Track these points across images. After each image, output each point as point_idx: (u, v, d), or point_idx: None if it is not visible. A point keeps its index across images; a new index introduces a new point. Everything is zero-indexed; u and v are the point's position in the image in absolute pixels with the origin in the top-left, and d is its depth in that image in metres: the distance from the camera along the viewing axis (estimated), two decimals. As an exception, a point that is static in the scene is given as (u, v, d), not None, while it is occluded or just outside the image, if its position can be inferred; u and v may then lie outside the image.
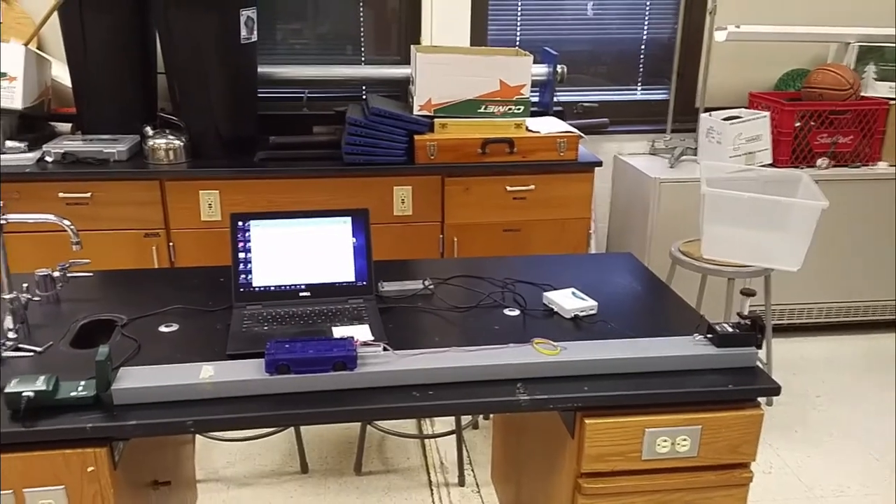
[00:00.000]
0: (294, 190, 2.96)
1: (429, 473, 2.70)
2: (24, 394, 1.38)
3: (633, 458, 1.59)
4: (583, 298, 1.88)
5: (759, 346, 1.65)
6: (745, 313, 1.67)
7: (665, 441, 1.58)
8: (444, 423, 2.97)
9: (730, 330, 1.65)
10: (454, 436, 2.79)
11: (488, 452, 2.78)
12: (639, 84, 3.85)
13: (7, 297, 1.65)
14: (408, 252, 3.06)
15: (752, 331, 1.64)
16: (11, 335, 1.65)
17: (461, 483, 2.64)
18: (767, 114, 3.42)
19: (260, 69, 3.23)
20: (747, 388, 1.59)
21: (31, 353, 1.60)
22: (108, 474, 1.43)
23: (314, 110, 3.49)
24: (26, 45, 3.02)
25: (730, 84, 3.82)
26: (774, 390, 1.59)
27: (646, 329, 1.79)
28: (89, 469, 1.41)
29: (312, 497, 2.56)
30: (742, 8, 3.68)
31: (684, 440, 1.59)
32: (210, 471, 2.68)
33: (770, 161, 3.46)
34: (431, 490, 2.61)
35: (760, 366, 1.66)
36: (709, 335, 1.67)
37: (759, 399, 1.62)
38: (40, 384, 1.40)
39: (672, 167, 3.53)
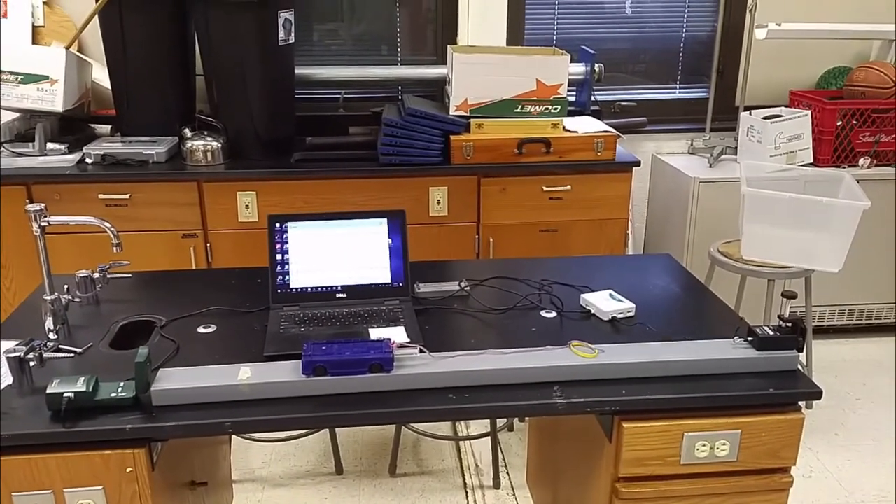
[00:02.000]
0: (330, 190, 2.97)
1: (464, 476, 2.69)
2: (64, 394, 1.39)
3: (672, 462, 1.56)
4: (620, 300, 1.85)
5: (801, 350, 1.62)
6: (786, 316, 1.63)
7: (704, 445, 1.55)
8: (479, 425, 2.95)
9: (770, 333, 1.61)
10: (489, 438, 2.78)
11: (523, 455, 2.76)
12: (678, 82, 3.80)
13: (48, 298, 1.68)
14: (443, 253, 3.05)
15: (793, 334, 1.61)
16: (52, 336, 1.67)
17: (496, 486, 2.63)
18: (809, 112, 3.35)
19: (297, 70, 3.25)
20: (788, 392, 1.55)
21: (72, 355, 1.62)
22: (147, 475, 1.44)
23: (350, 111, 3.50)
24: (68, 48, 3.07)
25: (770, 82, 3.76)
26: (816, 394, 1.56)
27: (685, 332, 1.76)
28: (128, 470, 1.43)
29: (347, 498, 2.56)
30: (783, 5, 3.62)
31: (724, 444, 1.56)
32: (246, 471, 2.70)
33: (811, 160, 3.39)
34: (466, 492, 2.60)
35: (801, 369, 1.62)
36: (749, 338, 1.64)
37: (799, 402, 1.58)
38: (80, 385, 1.41)
39: (711, 167, 3.47)
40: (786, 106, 3.51)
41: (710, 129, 3.67)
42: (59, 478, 1.42)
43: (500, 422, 2.90)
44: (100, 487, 1.43)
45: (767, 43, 3.61)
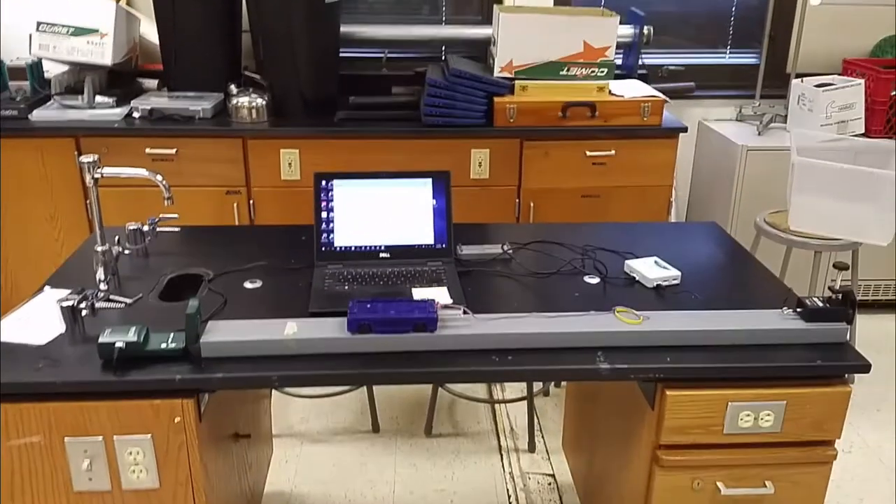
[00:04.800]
0: (372, 150, 2.97)
1: (499, 438, 2.71)
2: (116, 344, 1.42)
3: (715, 431, 1.55)
4: (666, 268, 1.83)
5: (850, 322, 1.59)
6: (837, 287, 1.60)
7: (748, 415, 1.54)
8: (515, 389, 2.97)
9: (820, 304, 1.58)
10: (524, 402, 2.79)
11: (558, 420, 2.77)
12: (728, 47, 3.70)
13: (100, 249, 1.71)
14: (483, 216, 3.04)
15: (843, 306, 1.58)
16: (103, 286, 1.70)
17: (531, 449, 2.65)
18: (862, 81, 3.25)
19: (341, 29, 3.22)
20: (836, 365, 1.53)
21: (122, 305, 1.65)
22: (194, 425, 1.47)
23: (393, 70, 3.47)
24: (117, 1, 3.08)
25: (823, 49, 3.65)
26: (865, 367, 1.53)
27: (731, 301, 1.74)
28: (176, 420, 1.46)
29: (383, 456, 2.60)
30: (840, -31, 3.50)
31: (768, 415, 1.54)
32: (285, 426, 2.75)
33: (863, 131, 3.29)
34: (501, 455, 2.63)
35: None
36: (798, 309, 1.61)
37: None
38: (131, 335, 1.44)
39: (760, 134, 3.40)
40: (839, 74, 3.42)
41: (760, 97, 3.59)
42: (108, 425, 1.45)
43: (536, 386, 2.90)
44: (148, 436, 1.47)
45: (821, 9, 3.50)
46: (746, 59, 3.71)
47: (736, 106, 3.66)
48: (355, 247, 1.92)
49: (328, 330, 1.55)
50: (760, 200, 3.26)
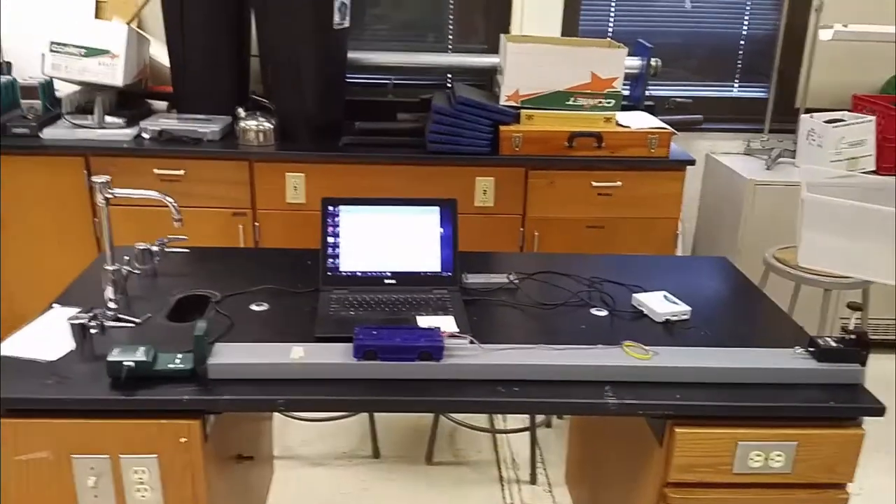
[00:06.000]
0: (377, 176, 2.98)
1: (500, 469, 2.69)
2: (125, 363, 1.42)
3: (724, 470, 1.54)
4: (675, 302, 1.82)
5: (864, 364, 1.58)
6: (851, 327, 1.60)
7: (758, 455, 1.53)
8: (517, 419, 2.94)
9: (833, 345, 1.58)
10: (526, 433, 2.77)
11: (560, 452, 2.75)
12: (736, 81, 3.73)
13: (110, 268, 1.70)
14: (487, 244, 3.04)
15: (857, 346, 1.57)
16: (112, 305, 1.70)
17: (533, 481, 2.62)
18: (873, 118, 3.27)
19: (348, 55, 3.25)
20: (850, 407, 1.52)
21: (131, 324, 1.64)
22: (200, 446, 1.46)
23: (399, 97, 3.49)
24: (129, 23, 3.11)
25: (833, 85, 3.67)
26: (879, 410, 1.52)
27: (741, 338, 1.73)
28: (182, 440, 1.45)
29: (383, 482, 2.58)
30: (849, 5, 3.52)
31: (779, 455, 1.53)
32: (286, 448, 2.73)
33: (873, 168, 3.30)
34: (502, 485, 2.60)
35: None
36: (810, 349, 1.60)
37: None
38: (140, 355, 1.44)
39: (768, 169, 3.41)
40: (849, 110, 3.43)
41: (769, 131, 3.60)
42: (115, 444, 1.45)
43: (539, 417, 2.89)
44: (154, 455, 1.46)
45: (832, 44, 3.52)
46: (755, 92, 3.73)
47: (744, 140, 3.67)
48: (361, 272, 1.91)
49: (334, 355, 1.54)
50: (768, 235, 3.26)
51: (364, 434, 2.81)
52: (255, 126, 3.00)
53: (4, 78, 3.11)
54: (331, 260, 1.90)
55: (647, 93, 3.36)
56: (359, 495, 2.52)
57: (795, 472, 1.54)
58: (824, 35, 3.33)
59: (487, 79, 3.41)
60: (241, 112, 3.05)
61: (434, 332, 1.58)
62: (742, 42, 3.66)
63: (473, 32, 3.61)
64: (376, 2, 3.55)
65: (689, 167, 3.03)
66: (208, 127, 3.00)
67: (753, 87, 3.74)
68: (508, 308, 1.86)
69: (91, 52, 3.01)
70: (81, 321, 1.55)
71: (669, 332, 1.75)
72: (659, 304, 1.82)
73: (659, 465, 1.57)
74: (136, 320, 1.65)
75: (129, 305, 1.75)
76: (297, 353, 1.53)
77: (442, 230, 1.94)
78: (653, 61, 3.28)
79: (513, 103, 2.98)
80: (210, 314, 1.73)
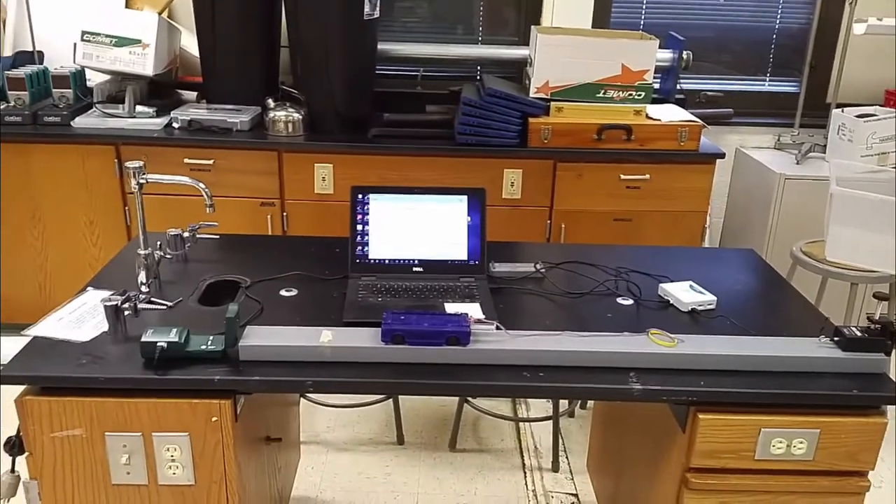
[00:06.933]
0: (405, 167, 3.00)
1: (522, 456, 2.70)
2: (158, 344, 1.45)
3: (746, 456, 1.54)
4: (701, 292, 1.82)
5: (889, 353, 1.57)
6: (877, 318, 1.59)
7: (781, 442, 1.53)
8: (539, 408, 2.96)
9: (858, 334, 1.57)
10: (549, 422, 2.78)
11: (583, 441, 2.75)
12: (767, 75, 3.70)
13: (143, 252, 1.74)
14: (514, 236, 3.05)
15: (882, 336, 1.56)
16: (144, 289, 1.74)
17: (555, 469, 2.63)
18: (904, 113, 3.23)
19: (377, 46, 3.27)
20: (874, 395, 1.52)
21: (163, 307, 1.68)
22: (230, 425, 1.49)
23: (428, 89, 3.51)
24: (160, 13, 3.15)
25: (865, 80, 3.63)
26: (902, 399, 1.51)
27: (766, 328, 1.73)
28: (213, 419, 1.48)
29: (407, 468, 2.60)
30: (883, -1, 3.48)
31: (801, 443, 1.53)
32: (311, 433, 2.77)
33: (903, 163, 3.27)
34: (525, 472, 2.62)
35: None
36: (835, 338, 1.60)
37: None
38: (173, 336, 1.47)
39: (798, 163, 3.38)
40: (880, 105, 3.39)
41: (799, 125, 3.57)
42: (148, 422, 1.48)
43: (562, 407, 2.90)
44: (186, 434, 1.49)
45: (865, 38, 3.48)
46: (786, 87, 3.70)
47: (774, 134, 3.65)
48: (389, 260, 1.93)
49: (362, 339, 1.56)
50: (796, 229, 3.24)
51: (388, 421, 2.84)
52: (284, 116, 3.03)
53: (36, 67, 3.18)
54: (359, 247, 1.92)
55: (678, 86, 3.34)
56: (383, 480, 2.55)
57: (817, 459, 1.54)
58: (858, 29, 3.30)
59: (517, 71, 3.42)
60: (271, 102, 3.08)
61: (461, 318, 1.59)
62: (775, 36, 3.63)
63: (503, 24, 3.62)
64: (407, -7, 3.57)
65: (718, 161, 3.02)
66: (238, 117, 3.04)
67: (785, 82, 3.71)
68: (535, 296, 1.87)
69: (122, 42, 3.07)
70: (115, 303, 1.58)
71: (695, 321, 1.75)
72: (685, 293, 1.82)
73: (681, 450, 1.58)
74: (168, 303, 1.69)
75: (160, 289, 1.79)
76: (326, 337, 1.55)
77: (470, 219, 1.96)
78: (684, 54, 3.27)
79: (542, 95, 2.98)
80: (240, 299, 1.76)
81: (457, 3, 3.59)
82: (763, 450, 1.53)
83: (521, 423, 2.89)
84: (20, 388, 1.49)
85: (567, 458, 2.70)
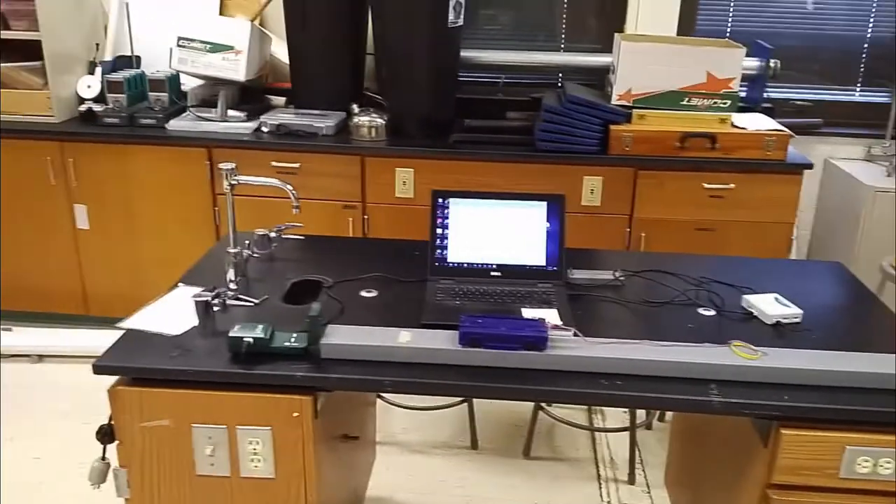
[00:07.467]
0: (485, 173, 3.02)
1: (598, 467, 2.68)
2: (245, 339, 1.51)
3: (831, 474, 1.50)
4: (787, 305, 1.78)
5: None
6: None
7: (867, 461, 1.48)
8: (615, 419, 2.92)
9: (952, 352, 1.51)
10: (625, 433, 2.75)
11: (660, 454, 2.71)
12: (858, 85, 3.57)
13: (232, 251, 1.81)
14: (592, 243, 3.03)
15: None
16: (232, 286, 1.80)
17: (631, 481, 2.60)
18: None
19: (460, 53, 3.30)
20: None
21: (250, 304, 1.74)
22: (311, 421, 1.53)
23: (509, 95, 3.52)
24: (252, 21, 3.26)
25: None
26: None
27: (853, 343, 1.68)
28: (294, 414, 1.52)
29: (482, 474, 2.61)
30: None
31: (888, 462, 1.47)
32: (387, 434, 2.81)
33: None
34: (599, 483, 2.59)
35: None
36: (927, 356, 1.54)
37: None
38: (260, 332, 1.52)
39: (889, 176, 3.25)
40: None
41: (891, 137, 3.43)
42: (232, 415, 1.54)
43: (639, 418, 2.86)
44: (268, 428, 1.54)
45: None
46: (878, 97, 3.57)
47: (865, 145, 3.53)
48: (468, 263, 1.95)
49: (440, 341, 1.59)
50: (886, 244, 3.12)
51: (463, 425, 2.85)
52: (367, 122, 3.10)
53: (134, 71, 3.33)
54: (439, 251, 1.95)
55: (765, 95, 3.26)
56: (456, 484, 2.56)
57: (906, 480, 1.48)
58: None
59: (598, 78, 3.40)
60: (355, 108, 3.15)
61: (539, 323, 1.60)
62: (866, 45, 3.51)
63: (586, 32, 3.60)
64: (490, 1, 3.59)
65: (805, 171, 2.93)
66: (323, 122, 3.12)
67: (877, 92, 3.57)
68: (613, 304, 1.86)
69: (216, 48, 3.18)
70: (205, 299, 1.65)
71: (779, 335, 1.71)
72: (770, 305, 1.78)
73: (762, 466, 1.54)
74: (255, 300, 1.75)
75: (247, 287, 1.85)
76: (405, 338, 1.58)
77: (549, 225, 1.96)
78: (772, 62, 3.19)
79: (624, 102, 2.96)
80: (323, 298, 1.81)
81: (539, 11, 3.59)
82: (848, 468, 1.49)
83: (596, 434, 2.86)
84: (114, 379, 1.56)
85: (644, 470, 2.66)
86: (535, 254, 1.96)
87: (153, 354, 1.56)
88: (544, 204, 1.97)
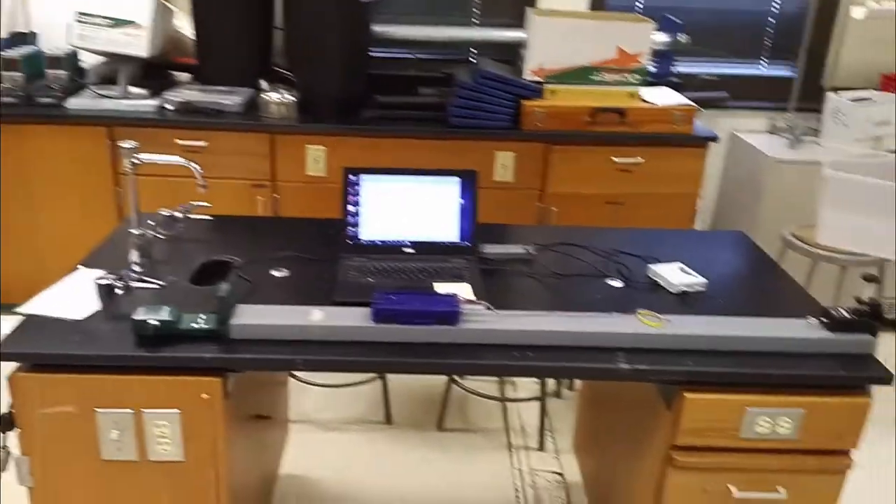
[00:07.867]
0: (398, 149, 3.00)
1: (509, 436, 2.73)
2: (150, 322, 1.46)
3: (732, 435, 1.56)
4: (691, 274, 1.84)
5: (876, 335, 1.59)
6: (865, 299, 1.60)
7: (766, 421, 1.55)
8: (526, 389, 2.98)
9: (847, 315, 1.59)
10: (535, 402, 2.81)
11: (569, 421, 2.78)
12: (763, 59, 3.69)
13: (135, 232, 1.75)
14: (505, 218, 3.06)
15: (870, 317, 1.58)
16: (136, 268, 1.74)
17: (541, 448, 2.66)
18: (898, 98, 3.24)
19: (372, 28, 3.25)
20: (859, 376, 1.53)
21: (155, 286, 1.69)
22: (221, 403, 1.51)
23: (422, 71, 3.50)
24: (155, -6, 3.13)
25: (861, 64, 3.62)
26: (887, 379, 1.53)
27: (755, 309, 1.75)
28: (204, 396, 1.49)
29: (396, 447, 2.63)
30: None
31: (786, 422, 1.55)
32: (300, 413, 2.78)
33: (897, 148, 3.28)
34: (511, 452, 2.64)
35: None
36: (823, 319, 1.62)
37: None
38: (165, 314, 1.48)
39: (792, 147, 3.39)
40: (876, 90, 3.39)
41: (795, 109, 3.57)
42: (138, 398, 1.49)
43: (549, 388, 2.92)
44: (176, 411, 1.50)
45: (862, 23, 3.47)
46: (782, 71, 3.70)
47: (769, 118, 3.65)
48: (380, 241, 1.94)
49: (353, 318, 1.57)
50: (788, 214, 3.25)
51: (377, 401, 2.86)
52: (276, 98, 3.03)
53: (31, 48, 3.16)
54: (351, 228, 1.93)
55: (673, 69, 3.34)
56: (371, 459, 2.57)
57: (801, 438, 1.56)
58: (857, 13, 3.29)
59: (512, 54, 3.41)
60: (264, 84, 3.08)
61: (451, 298, 1.61)
62: (772, 20, 3.62)
63: (499, 7, 3.60)
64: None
65: (712, 144, 3.02)
66: (231, 99, 3.03)
67: (781, 66, 3.70)
68: (525, 278, 1.89)
69: (117, 23, 3.05)
70: (107, 282, 1.59)
71: (684, 303, 1.77)
72: (675, 275, 1.84)
73: (666, 428, 1.59)
74: (161, 282, 1.70)
75: (153, 269, 1.80)
76: (317, 316, 1.57)
77: (461, 201, 1.96)
78: (681, 37, 3.25)
79: (537, 78, 2.98)
80: (232, 278, 1.77)
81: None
82: (748, 429, 1.55)
83: (508, 404, 2.91)
84: (14, 367, 1.50)
85: (553, 437, 2.72)
86: (448, 229, 1.96)
87: (53, 340, 1.50)
88: (457, 180, 1.97)
